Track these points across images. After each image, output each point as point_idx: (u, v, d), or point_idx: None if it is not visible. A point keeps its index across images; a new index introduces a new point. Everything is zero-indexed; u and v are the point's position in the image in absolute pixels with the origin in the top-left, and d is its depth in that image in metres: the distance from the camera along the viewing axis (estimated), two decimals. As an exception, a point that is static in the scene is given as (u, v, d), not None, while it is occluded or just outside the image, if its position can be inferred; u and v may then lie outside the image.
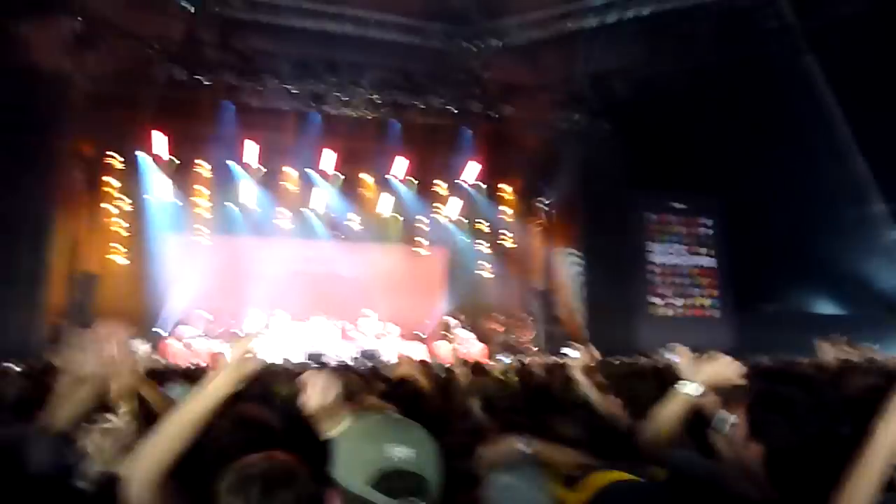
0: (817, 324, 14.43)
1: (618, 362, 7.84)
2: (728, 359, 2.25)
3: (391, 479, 1.24)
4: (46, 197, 12.16)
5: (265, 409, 2.68)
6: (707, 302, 16.76)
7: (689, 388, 2.23)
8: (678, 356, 3.24)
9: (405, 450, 1.26)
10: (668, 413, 2.25)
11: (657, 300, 16.26)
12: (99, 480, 2.00)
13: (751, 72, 13.65)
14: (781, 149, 14.44)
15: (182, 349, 13.73)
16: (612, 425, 2.97)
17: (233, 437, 2.11)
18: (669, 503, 1.61)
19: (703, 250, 16.92)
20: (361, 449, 1.29)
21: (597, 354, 7.65)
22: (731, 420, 1.96)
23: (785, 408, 1.86)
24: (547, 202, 17.52)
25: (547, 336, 15.68)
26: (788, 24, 13.01)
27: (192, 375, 5.12)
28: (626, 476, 1.61)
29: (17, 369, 6.23)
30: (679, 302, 16.50)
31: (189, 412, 1.75)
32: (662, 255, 16.53)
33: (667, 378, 4.16)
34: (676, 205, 16.82)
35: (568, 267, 16.23)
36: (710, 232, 17.03)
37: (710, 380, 2.24)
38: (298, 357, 12.40)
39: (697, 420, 2.30)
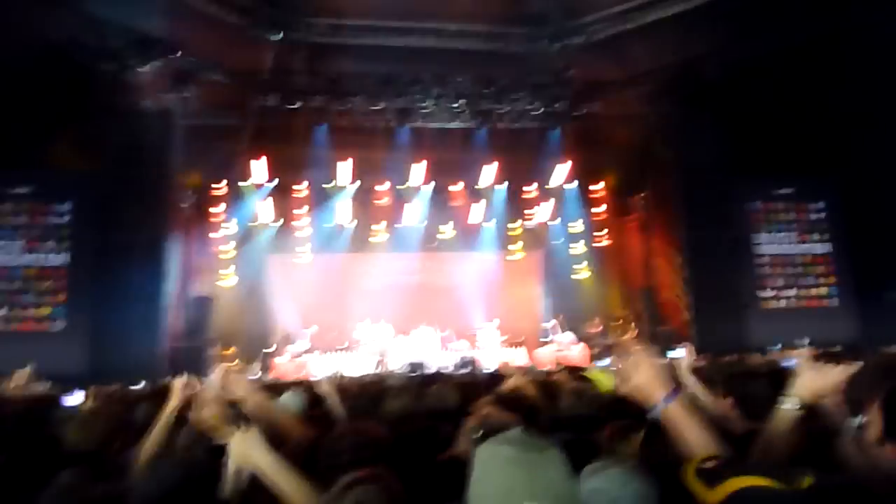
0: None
1: (727, 361, 7.48)
2: (837, 369, 2.07)
3: None
4: (160, 226, 12.95)
5: (376, 423, 2.73)
6: (823, 291, 15.71)
7: (788, 404, 2.09)
8: (798, 357, 3.05)
9: None
10: (776, 430, 2.10)
11: (768, 292, 15.39)
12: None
13: (854, 43, 12.72)
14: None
15: (290, 365, 14.28)
16: (723, 427, 2.83)
17: (344, 451, 2.16)
18: None
19: (816, 236, 15.87)
20: (498, 497, 1.27)
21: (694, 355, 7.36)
22: (860, 421, 1.79)
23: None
24: (642, 198, 17.01)
25: (650, 336, 15.18)
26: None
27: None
28: (764, 481, 1.52)
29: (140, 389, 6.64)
30: (792, 293, 15.56)
31: None
32: (771, 244, 15.62)
33: (783, 377, 3.95)
34: (783, 190, 15.86)
35: (669, 263, 15.66)
36: (822, 216, 15.95)
37: (810, 394, 2.08)
38: (400, 368, 12.65)
39: (819, 425, 2.14)
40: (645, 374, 1.95)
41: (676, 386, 2.05)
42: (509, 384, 4.27)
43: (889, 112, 12.92)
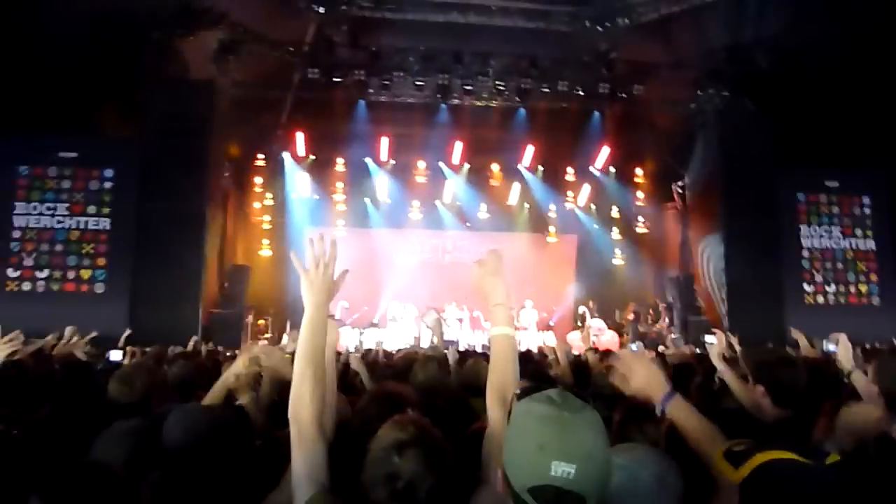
0: None
1: (760, 348, 7.35)
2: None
3: (549, 495, 1.23)
4: (201, 196, 13.13)
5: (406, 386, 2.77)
6: (864, 288, 15.31)
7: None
8: (836, 345, 2.99)
9: (569, 468, 1.23)
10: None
11: (808, 287, 15.06)
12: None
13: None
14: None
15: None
16: (754, 414, 2.79)
17: (375, 410, 2.19)
18: (841, 487, 1.48)
19: (860, 231, 15.44)
20: (528, 453, 1.28)
21: (735, 342, 7.26)
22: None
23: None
24: (682, 185, 16.72)
25: (684, 324, 15.00)
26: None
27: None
28: (789, 455, 1.52)
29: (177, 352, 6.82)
30: (832, 288, 15.20)
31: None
32: (813, 237, 15.24)
33: (821, 368, 3.87)
34: (828, 182, 15.43)
35: (707, 252, 15.41)
36: (868, 210, 15.50)
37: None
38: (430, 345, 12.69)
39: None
40: (641, 375, 1.95)
41: (676, 377, 2.07)
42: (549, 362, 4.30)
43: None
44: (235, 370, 3.03)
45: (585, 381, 4.50)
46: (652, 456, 1.75)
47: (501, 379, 1.91)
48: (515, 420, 1.35)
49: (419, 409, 2.52)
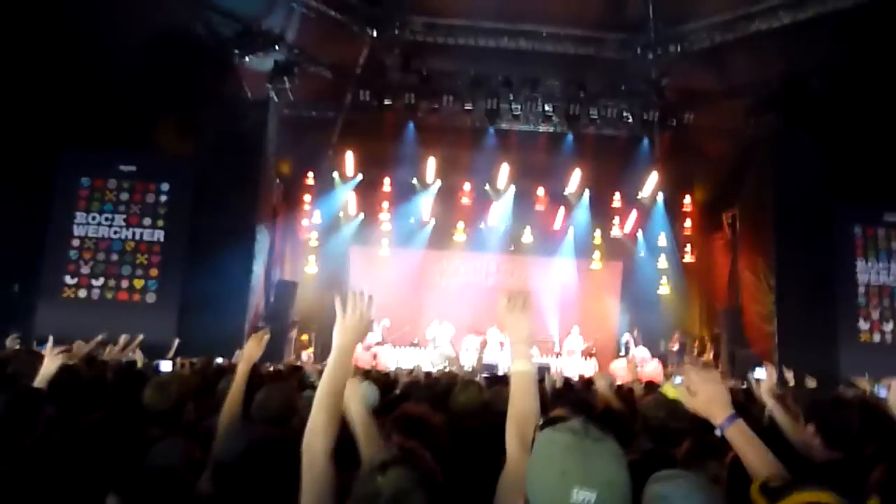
0: None
1: (814, 387, 7.14)
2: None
3: None
4: (252, 212, 13.47)
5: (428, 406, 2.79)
6: (922, 328, 14.71)
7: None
8: (888, 389, 2.89)
9: (590, 494, 1.26)
10: None
11: (863, 324, 14.52)
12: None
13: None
14: None
15: (364, 354, 14.55)
16: (803, 454, 2.72)
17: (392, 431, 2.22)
18: None
19: (919, 268, 14.89)
20: (550, 480, 1.31)
21: (790, 378, 7.01)
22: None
23: None
24: (732, 215, 16.39)
25: (731, 357, 14.61)
26: None
27: (371, 376, 5.48)
28: (828, 497, 1.49)
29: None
30: (890, 327, 14.63)
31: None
32: (870, 272, 14.72)
33: (873, 409, 3.73)
34: (888, 217, 14.92)
35: (757, 284, 15.02)
36: (927, 247, 14.94)
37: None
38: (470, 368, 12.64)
39: None
40: (708, 393, 1.93)
41: (744, 408, 2.02)
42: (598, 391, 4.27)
43: None
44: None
45: (632, 412, 4.42)
46: (694, 485, 1.72)
47: (520, 414, 1.95)
48: (538, 449, 1.39)
49: (446, 435, 2.52)
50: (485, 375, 7.18)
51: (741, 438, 1.88)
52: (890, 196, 14.52)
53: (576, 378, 8.27)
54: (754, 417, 3.76)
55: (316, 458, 1.79)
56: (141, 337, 7.48)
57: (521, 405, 1.96)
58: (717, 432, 1.93)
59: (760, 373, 8.01)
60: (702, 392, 1.94)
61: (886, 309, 14.66)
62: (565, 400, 3.88)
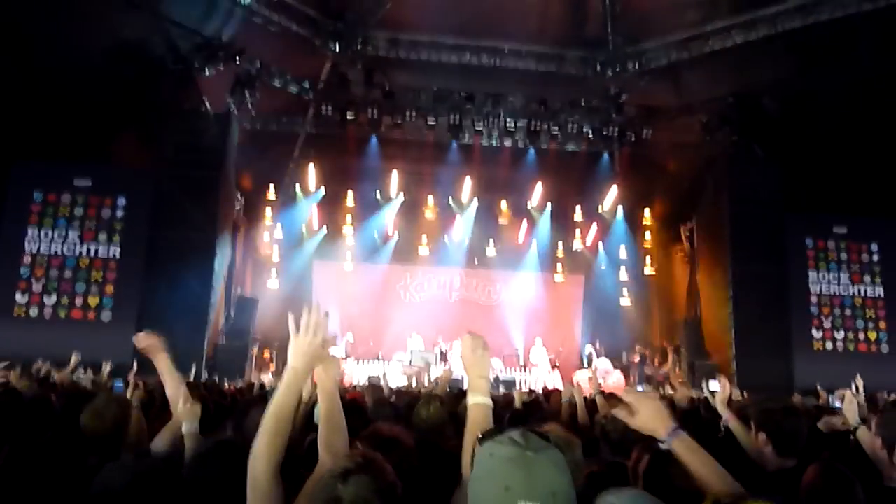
0: None
1: (765, 397, 7.27)
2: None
3: None
4: (211, 227, 13.23)
5: (402, 427, 2.77)
6: (873, 335, 15.15)
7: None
8: (841, 400, 2.98)
9: None
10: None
11: (816, 333, 14.92)
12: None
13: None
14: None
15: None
16: (757, 462, 2.77)
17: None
18: None
19: (868, 278, 15.35)
20: (494, 495, 1.29)
21: (735, 390, 7.16)
22: None
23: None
24: (690, 228, 16.73)
25: (691, 368, 14.86)
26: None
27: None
28: None
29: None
30: (841, 335, 15.05)
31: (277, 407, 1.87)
32: (822, 283, 15.16)
33: (822, 417, 3.84)
34: (837, 229, 15.40)
35: (716, 296, 15.32)
36: (876, 258, 15.44)
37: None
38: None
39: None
40: (647, 410, 1.96)
41: (683, 422, 2.06)
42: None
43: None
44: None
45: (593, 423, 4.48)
46: (638, 495, 1.74)
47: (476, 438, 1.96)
48: (480, 463, 1.36)
49: (415, 452, 2.51)
50: (446, 391, 7.16)
51: (686, 450, 1.91)
52: (839, 209, 15.02)
53: (540, 390, 8.31)
54: (712, 427, 3.85)
55: (258, 481, 1.78)
56: (78, 357, 7.18)
57: (478, 430, 1.98)
58: (663, 446, 1.96)
59: (714, 385, 8.17)
60: (642, 410, 1.97)
61: (838, 318, 15.09)
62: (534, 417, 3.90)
